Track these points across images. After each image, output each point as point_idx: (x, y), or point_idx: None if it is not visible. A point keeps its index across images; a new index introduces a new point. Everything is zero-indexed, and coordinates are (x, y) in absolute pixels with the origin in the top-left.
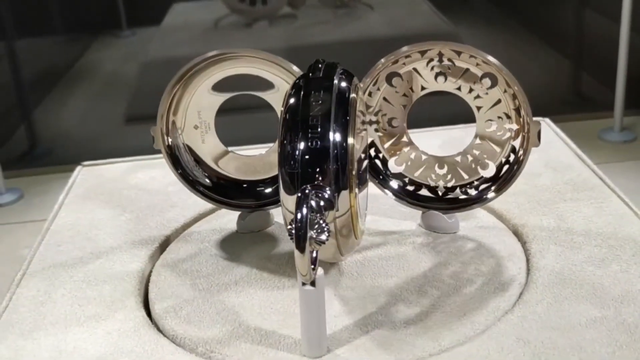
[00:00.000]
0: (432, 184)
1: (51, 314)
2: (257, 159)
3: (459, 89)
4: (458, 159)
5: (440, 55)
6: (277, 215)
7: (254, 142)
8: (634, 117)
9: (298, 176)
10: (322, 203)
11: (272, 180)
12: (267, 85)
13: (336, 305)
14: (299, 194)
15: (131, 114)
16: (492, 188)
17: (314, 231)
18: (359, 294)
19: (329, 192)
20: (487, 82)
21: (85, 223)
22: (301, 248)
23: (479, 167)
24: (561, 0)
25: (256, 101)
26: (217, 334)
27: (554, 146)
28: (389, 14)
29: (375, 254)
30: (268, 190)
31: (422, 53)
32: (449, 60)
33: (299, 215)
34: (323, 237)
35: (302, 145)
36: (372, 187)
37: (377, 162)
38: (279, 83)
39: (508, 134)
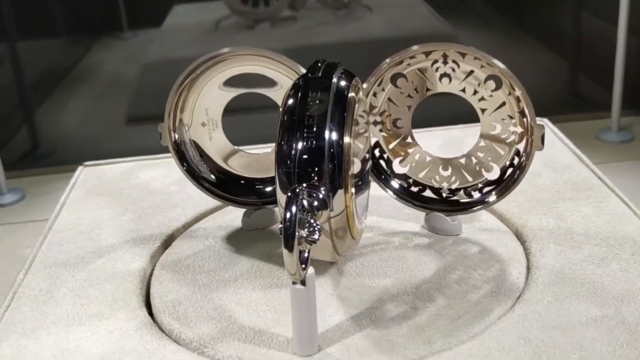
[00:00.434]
0: (437, 185)
1: (53, 313)
2: (263, 156)
3: (463, 90)
4: (462, 161)
5: (445, 56)
6: None
7: (261, 142)
8: (631, 118)
9: (294, 176)
10: (315, 203)
11: None
12: (274, 84)
13: (332, 305)
14: (289, 194)
15: (132, 115)
16: (496, 191)
17: (305, 230)
18: (356, 294)
19: (323, 191)
20: (491, 84)
21: (87, 223)
22: (289, 247)
23: (483, 170)
24: (559, 2)
25: (264, 101)
26: (212, 330)
27: (553, 146)
28: (387, 16)
29: (376, 254)
30: (272, 188)
31: (427, 54)
32: (454, 62)
33: (287, 215)
34: (314, 236)
35: (297, 145)
36: (376, 188)
37: (382, 162)
38: (286, 82)
39: (512, 137)
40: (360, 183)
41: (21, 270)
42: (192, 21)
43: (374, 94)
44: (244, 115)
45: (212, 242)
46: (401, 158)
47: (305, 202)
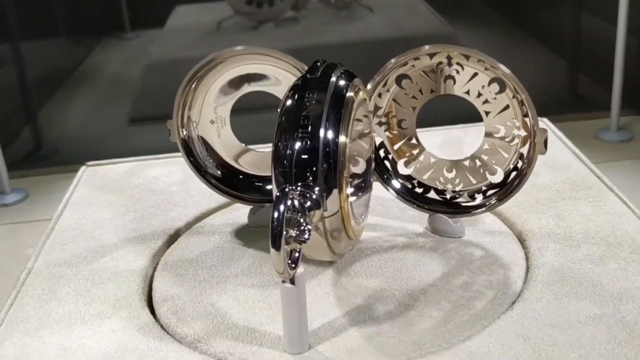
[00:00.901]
0: (441, 187)
1: (56, 312)
2: (270, 154)
3: (467, 92)
4: (467, 163)
5: (449, 58)
6: None
7: (270, 141)
8: (630, 117)
9: (289, 176)
10: (308, 203)
11: None
12: (281, 84)
13: (327, 304)
14: (278, 194)
15: (135, 115)
16: (499, 194)
17: (295, 230)
18: (352, 294)
19: (317, 191)
20: (495, 87)
21: (90, 222)
22: (277, 246)
23: (487, 173)
24: (558, 2)
25: (272, 100)
26: (207, 326)
27: (552, 145)
28: (388, 16)
29: (377, 254)
30: None
31: (431, 56)
32: (458, 64)
33: (275, 214)
34: (304, 236)
35: (292, 145)
36: (380, 189)
37: (387, 163)
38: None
39: (516, 140)
40: (361, 184)
41: (24, 269)
42: (194, 22)
43: (379, 95)
44: (253, 115)
45: (218, 238)
46: (406, 159)
47: (296, 202)
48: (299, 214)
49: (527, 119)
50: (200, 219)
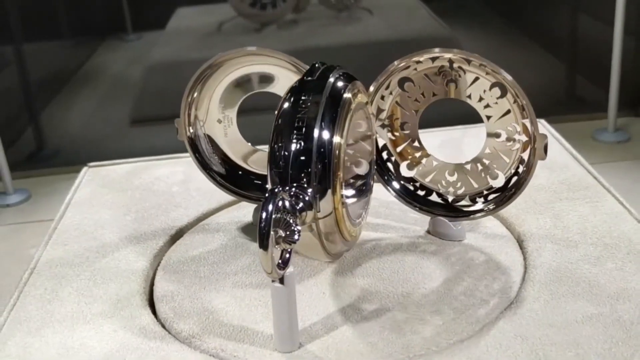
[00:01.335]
0: (442, 190)
1: (58, 311)
2: None
3: (469, 96)
4: (468, 167)
5: (451, 62)
6: None
7: None
8: (627, 118)
9: (284, 177)
10: (300, 204)
11: None
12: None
13: (322, 303)
14: (267, 194)
15: (136, 116)
16: (500, 199)
17: (285, 231)
18: (347, 294)
19: (310, 192)
20: (496, 91)
21: (92, 223)
22: (264, 246)
23: (488, 177)
24: (556, 5)
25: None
26: (203, 322)
27: (549, 147)
28: (388, 18)
29: (376, 256)
30: None
31: (433, 59)
32: (460, 67)
33: (263, 215)
34: (294, 237)
35: (287, 147)
36: (383, 191)
37: (389, 165)
38: None
39: (517, 145)
40: (361, 186)
41: (27, 269)
42: (195, 24)
43: (382, 97)
44: (259, 115)
45: (220, 236)
46: (408, 161)
47: (287, 203)
48: (290, 215)
49: (527, 124)
50: (201, 219)
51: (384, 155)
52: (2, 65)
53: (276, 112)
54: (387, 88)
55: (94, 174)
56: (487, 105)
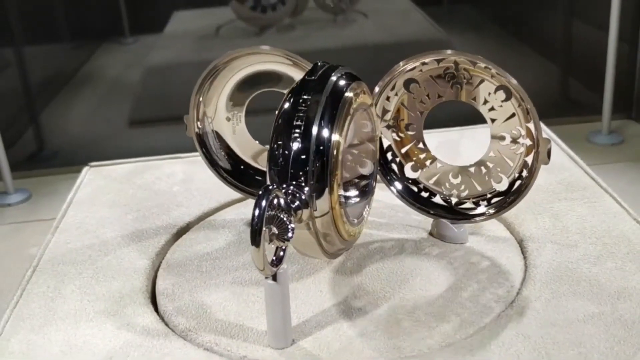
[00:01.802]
0: (446, 193)
1: (61, 309)
2: None
3: (474, 99)
4: (472, 170)
5: (456, 64)
6: None
7: None
8: (620, 121)
9: (282, 175)
10: (297, 202)
11: None
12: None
13: (318, 301)
14: (260, 192)
15: (134, 117)
16: (502, 203)
17: (278, 228)
18: (344, 293)
19: (307, 191)
20: (501, 94)
21: (93, 222)
22: (256, 243)
23: (492, 180)
24: (551, 10)
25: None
26: (200, 316)
27: None
28: (383, 22)
29: (376, 256)
30: None
31: (439, 61)
32: (465, 70)
33: (256, 212)
34: (287, 235)
35: (286, 145)
36: (386, 192)
37: (394, 166)
38: None
39: (522, 149)
40: (362, 187)
41: (29, 267)
42: (192, 27)
43: (387, 98)
44: (267, 115)
45: (225, 232)
46: (413, 163)
47: (281, 201)
48: (284, 213)
49: (532, 128)
50: (202, 218)
51: (389, 156)
52: (3, 67)
53: (277, 111)
54: (392, 89)
55: (95, 174)
56: (492, 108)
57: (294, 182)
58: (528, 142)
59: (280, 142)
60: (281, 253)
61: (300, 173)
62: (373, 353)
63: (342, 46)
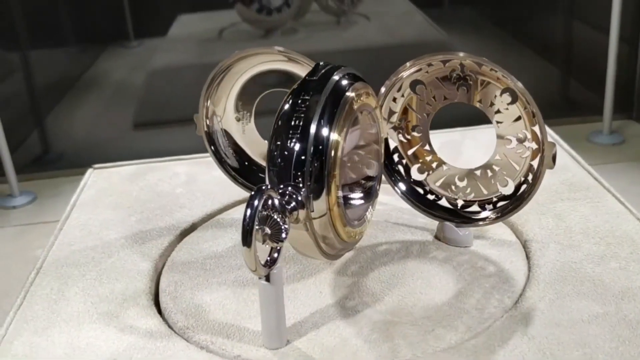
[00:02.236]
0: (452, 195)
1: (64, 311)
2: None
3: (480, 101)
4: (478, 173)
5: (462, 66)
6: None
7: None
8: (621, 121)
9: (280, 175)
10: (292, 203)
11: None
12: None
13: (317, 302)
14: (252, 192)
15: (139, 120)
16: (507, 207)
17: (271, 229)
18: (344, 294)
19: (303, 192)
20: (507, 97)
21: (97, 223)
22: (247, 243)
23: (498, 184)
24: (551, 12)
25: None
26: (199, 314)
27: None
28: (385, 24)
29: (378, 259)
30: None
31: (445, 63)
32: (471, 72)
33: (247, 212)
34: (281, 235)
35: (284, 146)
36: (392, 193)
37: (400, 168)
38: None
39: (527, 153)
40: (365, 189)
41: (33, 269)
42: (196, 30)
43: (394, 99)
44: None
45: (229, 232)
46: (419, 165)
47: (276, 201)
48: (278, 213)
49: (537, 132)
50: (205, 219)
51: (395, 157)
52: (9, 71)
53: (277, 112)
54: (398, 90)
55: (99, 176)
56: (498, 111)
57: (291, 183)
58: (534, 145)
59: (278, 143)
60: (275, 254)
61: (299, 174)
62: (367, 354)
63: (345, 48)
